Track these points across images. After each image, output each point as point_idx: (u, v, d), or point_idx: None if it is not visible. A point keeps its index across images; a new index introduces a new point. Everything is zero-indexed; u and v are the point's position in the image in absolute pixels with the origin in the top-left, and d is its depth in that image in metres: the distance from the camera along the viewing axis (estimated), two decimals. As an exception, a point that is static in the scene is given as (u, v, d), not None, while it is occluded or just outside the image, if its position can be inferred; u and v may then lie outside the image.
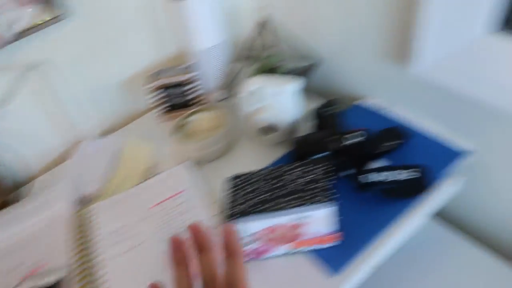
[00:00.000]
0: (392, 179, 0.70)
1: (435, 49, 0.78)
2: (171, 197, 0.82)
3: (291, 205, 0.63)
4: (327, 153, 0.74)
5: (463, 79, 0.76)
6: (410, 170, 0.70)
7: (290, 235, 0.65)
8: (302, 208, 0.62)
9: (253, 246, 0.67)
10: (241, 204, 0.68)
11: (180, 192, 0.83)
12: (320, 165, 0.69)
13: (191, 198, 0.81)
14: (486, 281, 0.78)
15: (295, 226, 0.64)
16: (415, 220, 0.70)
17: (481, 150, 0.79)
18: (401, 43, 0.81)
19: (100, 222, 0.80)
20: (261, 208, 0.65)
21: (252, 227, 0.64)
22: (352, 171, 0.75)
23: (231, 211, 0.67)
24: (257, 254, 0.68)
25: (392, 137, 0.79)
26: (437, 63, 0.79)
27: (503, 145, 0.76)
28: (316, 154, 0.75)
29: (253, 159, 0.89)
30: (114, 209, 0.82)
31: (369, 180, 0.70)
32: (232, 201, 0.70)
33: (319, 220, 0.63)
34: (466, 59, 0.79)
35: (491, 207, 0.85)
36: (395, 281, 0.81)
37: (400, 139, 0.79)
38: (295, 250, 0.68)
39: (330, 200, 0.62)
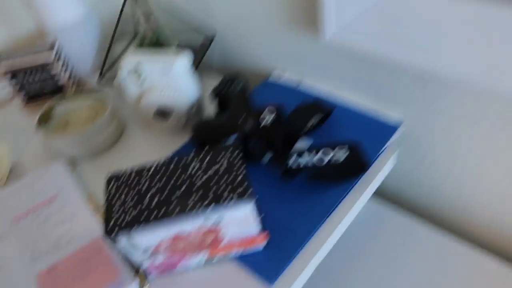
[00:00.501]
0: (320, 162, 0.58)
1: (344, 10, 0.65)
2: (40, 204, 0.62)
3: (196, 206, 0.46)
4: (233, 138, 0.60)
5: (376, 40, 0.64)
6: (339, 148, 0.59)
7: (202, 242, 0.50)
8: (209, 208, 0.46)
9: (155, 261, 0.50)
10: (125, 212, 0.49)
11: (53, 197, 0.63)
12: (228, 153, 0.52)
13: (67, 203, 0.62)
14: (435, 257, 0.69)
15: (206, 231, 0.48)
16: (355, 206, 0.58)
17: (409, 119, 0.70)
18: (306, 5, 0.69)
19: None
20: (155, 214, 0.47)
21: (145, 240, 0.47)
22: (269, 156, 0.61)
23: (113, 222, 0.47)
24: (163, 270, 0.52)
25: (312, 113, 0.67)
26: (348, 26, 0.67)
27: (428, 110, 0.67)
28: (221, 140, 0.60)
29: (147, 151, 0.71)
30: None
31: (295, 165, 0.57)
32: (113, 208, 0.49)
33: (235, 221, 0.48)
34: (376, 19, 0.67)
35: (421, 177, 0.77)
36: (342, 274, 0.69)
37: (321, 115, 0.67)
38: (214, 259, 0.53)
39: (246, 194, 0.47)
